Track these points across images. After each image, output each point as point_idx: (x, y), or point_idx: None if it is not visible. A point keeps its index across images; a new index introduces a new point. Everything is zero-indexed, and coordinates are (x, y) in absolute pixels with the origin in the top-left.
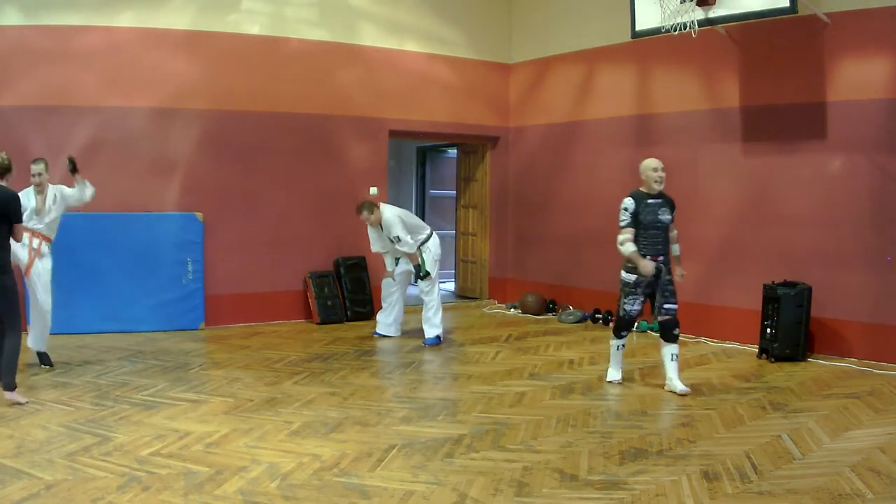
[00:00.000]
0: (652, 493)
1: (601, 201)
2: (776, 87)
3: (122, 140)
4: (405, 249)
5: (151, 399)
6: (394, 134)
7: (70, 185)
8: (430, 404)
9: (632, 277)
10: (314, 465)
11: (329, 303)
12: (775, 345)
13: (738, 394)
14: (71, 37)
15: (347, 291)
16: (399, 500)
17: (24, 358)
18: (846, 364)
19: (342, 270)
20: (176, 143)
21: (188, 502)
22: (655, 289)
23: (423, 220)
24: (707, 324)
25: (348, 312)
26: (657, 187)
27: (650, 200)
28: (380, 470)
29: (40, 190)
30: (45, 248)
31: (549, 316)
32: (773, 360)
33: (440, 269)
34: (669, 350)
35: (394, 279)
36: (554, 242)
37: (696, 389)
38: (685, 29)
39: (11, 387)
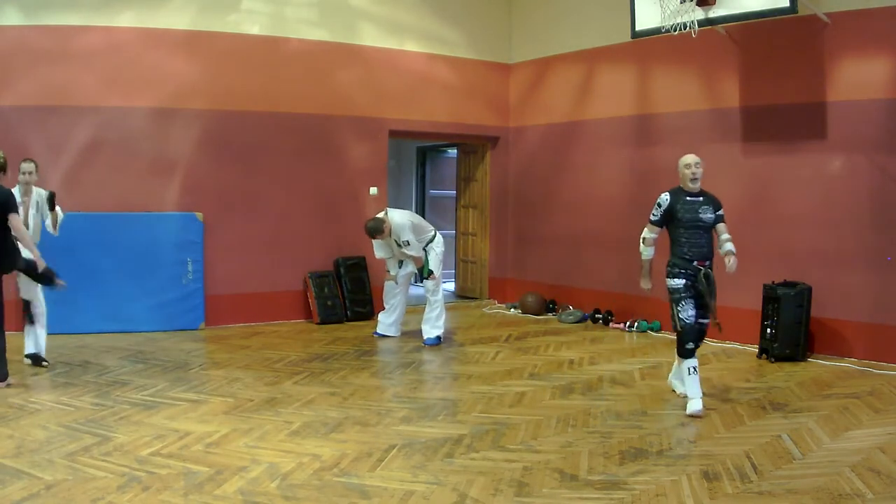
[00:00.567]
0: (652, 493)
1: (601, 201)
2: (776, 87)
3: (122, 140)
4: (412, 253)
5: (151, 399)
6: (394, 134)
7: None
8: (430, 404)
9: (679, 282)
10: (314, 465)
11: (329, 303)
12: (775, 345)
13: (738, 394)
14: (71, 37)
15: (347, 291)
16: (399, 500)
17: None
18: (846, 364)
19: (342, 270)
20: (176, 143)
21: (188, 502)
22: (708, 297)
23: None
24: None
25: (348, 312)
26: (691, 185)
27: (689, 198)
28: (380, 470)
29: (26, 191)
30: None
31: (549, 316)
32: (773, 360)
33: (442, 270)
34: (690, 364)
35: (396, 282)
36: (554, 242)
37: None
38: (685, 29)
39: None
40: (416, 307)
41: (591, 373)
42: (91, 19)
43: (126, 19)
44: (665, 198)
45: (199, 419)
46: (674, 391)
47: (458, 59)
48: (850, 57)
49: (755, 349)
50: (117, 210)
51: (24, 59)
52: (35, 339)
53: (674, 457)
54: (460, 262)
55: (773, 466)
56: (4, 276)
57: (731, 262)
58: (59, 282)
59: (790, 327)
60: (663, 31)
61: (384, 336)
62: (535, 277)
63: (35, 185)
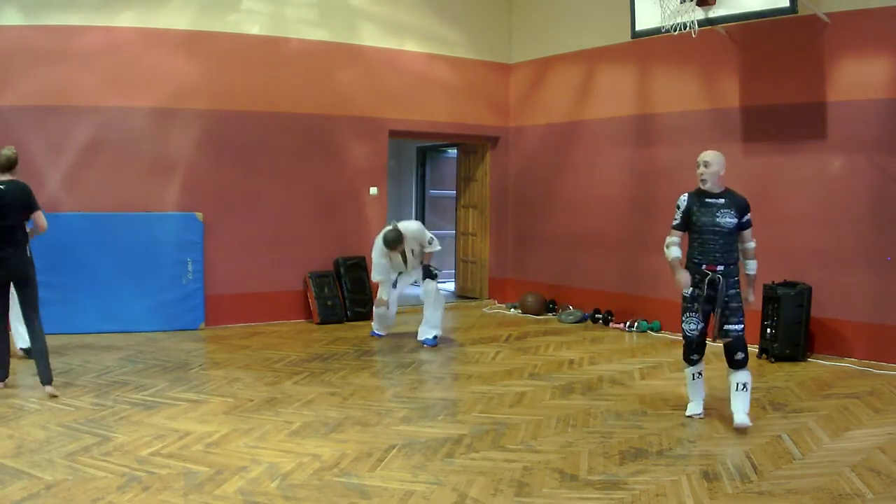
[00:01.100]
0: (652, 493)
1: (601, 201)
2: (776, 87)
3: (122, 140)
4: (436, 248)
5: (151, 399)
6: (394, 134)
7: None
8: (430, 404)
9: (687, 291)
10: (314, 465)
11: (329, 303)
12: (775, 345)
13: None
14: (71, 37)
15: (347, 291)
16: (399, 500)
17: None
18: (846, 364)
19: (342, 270)
20: (176, 143)
21: (188, 502)
22: (716, 305)
23: (424, 220)
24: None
25: (348, 312)
26: (702, 186)
27: (709, 199)
28: (380, 470)
29: None
30: None
31: (549, 316)
32: (773, 360)
33: (442, 270)
34: (735, 378)
35: (388, 307)
36: (554, 242)
37: None
38: (685, 29)
39: (49, 381)
40: (415, 307)
41: (591, 373)
42: (91, 19)
43: (126, 19)
44: (683, 199)
45: (199, 419)
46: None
47: (458, 59)
48: (850, 57)
49: (755, 349)
50: (117, 210)
51: (24, 59)
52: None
53: (674, 457)
54: (460, 262)
55: (773, 466)
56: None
57: (750, 295)
58: None
59: (790, 327)
60: (663, 31)
61: (381, 336)
62: (535, 277)
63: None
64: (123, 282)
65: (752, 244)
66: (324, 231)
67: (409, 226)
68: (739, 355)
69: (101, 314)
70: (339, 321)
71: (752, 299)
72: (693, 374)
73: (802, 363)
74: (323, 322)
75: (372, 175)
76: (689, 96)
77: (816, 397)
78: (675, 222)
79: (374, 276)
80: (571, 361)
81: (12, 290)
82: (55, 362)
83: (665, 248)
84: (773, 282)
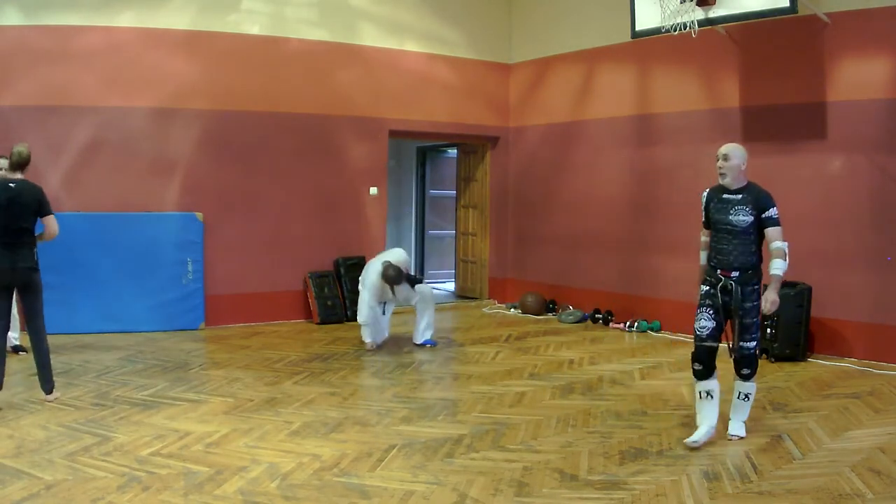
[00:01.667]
0: (652, 493)
1: (601, 201)
2: (776, 87)
3: (122, 140)
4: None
5: (151, 399)
6: (394, 134)
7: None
8: (430, 404)
9: (703, 288)
10: (314, 465)
11: (329, 303)
12: (775, 345)
13: None
14: (71, 37)
15: (347, 291)
16: (399, 500)
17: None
18: (846, 364)
19: (342, 270)
20: (176, 143)
21: (188, 502)
22: (732, 315)
23: (423, 220)
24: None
25: (348, 312)
26: (720, 181)
27: (726, 195)
28: (380, 470)
29: None
30: None
31: (549, 316)
32: (773, 360)
33: (441, 270)
34: (738, 387)
35: (374, 347)
36: (554, 242)
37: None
38: (685, 29)
39: (50, 390)
40: (404, 309)
41: (591, 373)
42: (91, 19)
43: (126, 19)
44: (704, 195)
45: (199, 419)
46: (731, 437)
47: (458, 59)
48: (850, 57)
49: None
50: (117, 210)
51: (24, 59)
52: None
53: (674, 457)
54: (460, 262)
55: (773, 466)
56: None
57: (766, 302)
58: None
59: (790, 327)
60: (663, 31)
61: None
62: (535, 277)
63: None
64: (123, 282)
65: (777, 244)
66: (324, 231)
67: (400, 257)
68: (745, 371)
69: (101, 314)
70: (339, 321)
71: (773, 298)
72: (700, 392)
73: (802, 363)
74: (323, 322)
75: (372, 175)
76: (689, 96)
77: (816, 397)
78: (703, 219)
79: (360, 319)
80: (571, 361)
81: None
82: (55, 362)
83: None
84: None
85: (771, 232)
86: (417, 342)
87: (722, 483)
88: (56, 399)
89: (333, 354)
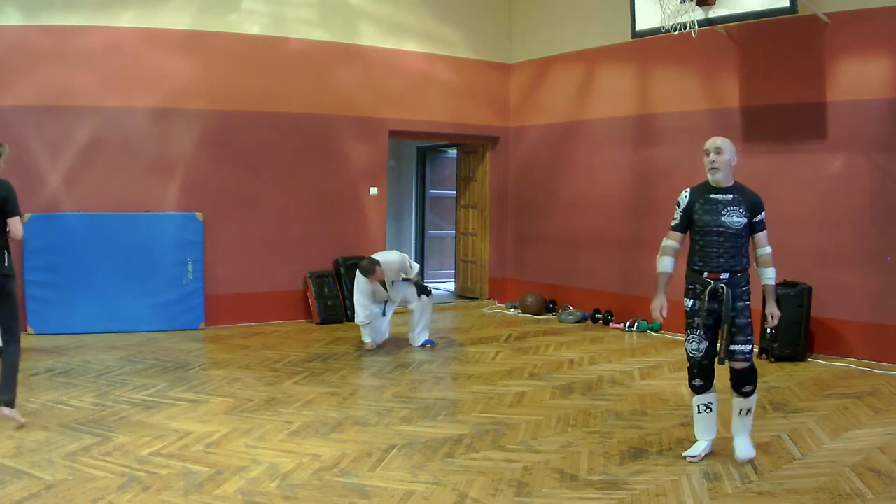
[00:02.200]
0: (652, 493)
1: (601, 201)
2: (776, 87)
3: (122, 140)
4: (416, 270)
5: (151, 399)
6: (394, 134)
7: None
8: (430, 404)
9: (688, 302)
10: (314, 465)
11: (329, 303)
12: (775, 345)
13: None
14: (71, 37)
15: (347, 291)
16: (399, 500)
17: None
18: (846, 364)
19: (342, 270)
20: (176, 143)
21: (188, 502)
22: (722, 320)
23: (423, 220)
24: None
25: (348, 312)
26: (710, 177)
27: (714, 195)
28: (380, 470)
29: None
30: None
31: (549, 316)
32: (773, 360)
33: (441, 270)
34: (737, 404)
35: (374, 348)
36: (554, 242)
37: None
38: (685, 29)
39: (11, 403)
40: (404, 310)
41: (591, 373)
42: (91, 19)
43: (126, 19)
44: (684, 195)
45: (199, 419)
46: (741, 461)
47: (458, 59)
48: (850, 57)
49: (755, 349)
50: (117, 210)
51: (24, 59)
52: None
53: (674, 457)
54: (460, 262)
55: (773, 466)
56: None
57: (770, 317)
58: None
59: (790, 327)
60: (663, 31)
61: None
62: (535, 277)
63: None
64: (123, 282)
65: (767, 250)
66: (324, 231)
67: (390, 257)
68: (747, 388)
69: (101, 314)
70: (339, 321)
71: (775, 311)
72: (699, 406)
73: (802, 363)
74: (323, 322)
75: (372, 175)
76: (689, 96)
77: (816, 397)
78: (673, 222)
79: (357, 320)
80: (571, 361)
81: None
82: (55, 362)
83: (658, 257)
84: None
85: (760, 236)
86: (415, 345)
87: (722, 483)
88: (13, 416)
89: (333, 354)
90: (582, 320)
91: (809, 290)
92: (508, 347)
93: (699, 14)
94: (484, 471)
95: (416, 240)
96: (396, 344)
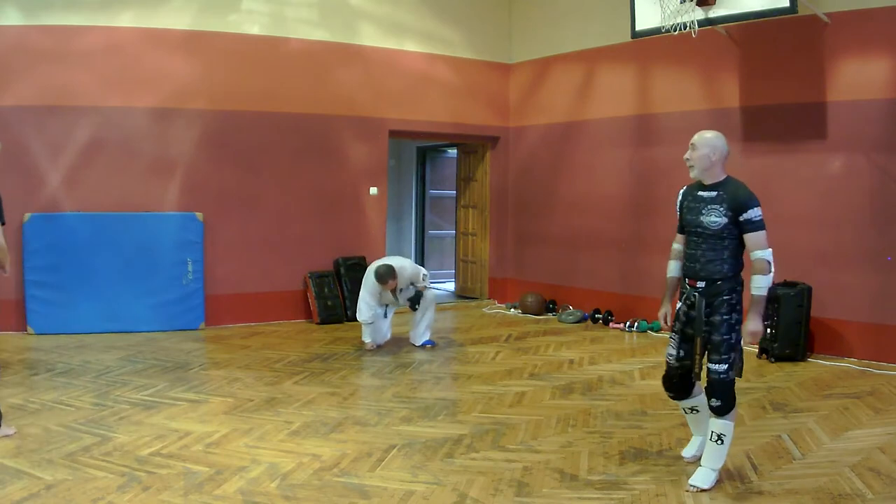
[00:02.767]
0: (652, 493)
1: (601, 201)
2: (776, 87)
3: (122, 140)
4: (428, 282)
5: (151, 399)
6: (394, 134)
7: None
8: (430, 404)
9: (678, 305)
10: (314, 465)
11: (329, 303)
12: (775, 345)
13: (738, 394)
14: (71, 37)
15: (347, 291)
16: (399, 500)
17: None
18: (846, 364)
19: (342, 270)
20: (176, 143)
21: (188, 502)
22: (696, 332)
23: (423, 220)
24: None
25: (348, 312)
26: (690, 175)
27: (701, 193)
28: (380, 470)
29: None
30: None
31: (549, 316)
32: (773, 360)
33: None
34: (711, 425)
35: (374, 348)
36: (554, 242)
37: None
38: (685, 29)
39: None
40: (405, 310)
41: (591, 373)
42: (91, 19)
43: (126, 19)
44: (679, 194)
45: (199, 419)
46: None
47: (458, 59)
48: (850, 57)
49: (755, 349)
50: (117, 210)
51: (24, 59)
52: None
53: (674, 457)
54: (460, 262)
55: (773, 466)
56: None
57: (751, 322)
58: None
59: (790, 327)
60: (663, 31)
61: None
62: (535, 277)
63: None
64: (123, 282)
65: (758, 254)
66: (324, 231)
67: (403, 264)
68: (714, 402)
69: (101, 314)
70: (339, 321)
71: (753, 329)
72: (684, 409)
73: (802, 363)
74: (323, 322)
75: (372, 175)
76: (689, 96)
77: (816, 397)
78: (678, 223)
79: (360, 317)
80: (571, 361)
81: None
82: (56, 362)
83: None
84: (772, 282)
85: (750, 238)
86: (416, 343)
87: (722, 483)
88: (3, 433)
89: (333, 354)
90: (582, 320)
91: (809, 290)
92: (508, 347)
93: (699, 14)
94: (484, 471)
95: (416, 240)
96: (396, 344)
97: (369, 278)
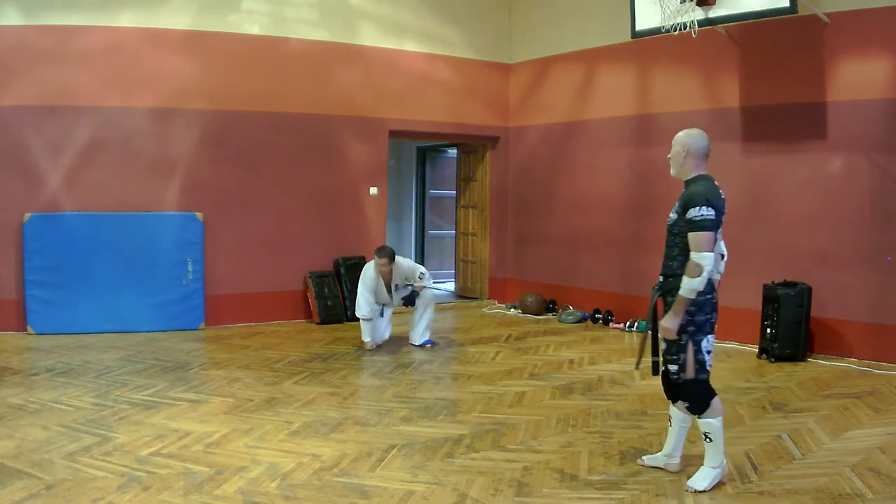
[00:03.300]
0: (652, 493)
1: (601, 201)
2: (776, 87)
3: (122, 140)
4: (428, 280)
5: (151, 399)
6: (394, 134)
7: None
8: (430, 404)
9: None
10: (314, 465)
11: (329, 303)
12: (775, 345)
13: (738, 394)
14: (71, 37)
15: (347, 291)
16: (399, 500)
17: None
18: (846, 364)
19: (342, 270)
20: (176, 143)
21: (188, 502)
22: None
23: (423, 220)
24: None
25: (348, 312)
26: (671, 172)
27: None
28: (380, 470)
29: None
30: None
31: (549, 316)
32: (773, 360)
33: (441, 270)
34: (699, 423)
35: (373, 347)
36: (554, 242)
37: None
38: (685, 29)
39: None
40: (404, 309)
41: (591, 373)
42: (91, 19)
43: (126, 19)
44: None
45: (199, 419)
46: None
47: (458, 59)
48: (850, 57)
49: (755, 349)
50: (117, 210)
51: (24, 59)
52: None
53: None
54: (460, 262)
55: (773, 466)
56: None
57: (667, 320)
58: None
59: (790, 327)
60: (663, 31)
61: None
62: (535, 277)
63: None
64: (123, 282)
65: (692, 255)
66: (324, 231)
67: (400, 261)
68: (683, 402)
69: (101, 314)
70: (339, 321)
71: (664, 325)
72: (669, 417)
73: (802, 363)
74: (323, 322)
75: (372, 175)
76: (689, 96)
77: (816, 397)
78: None
79: (358, 312)
80: (571, 361)
81: None
82: (55, 362)
83: None
84: (772, 282)
85: (689, 237)
86: (416, 343)
87: (722, 483)
88: None
89: (333, 354)
90: (582, 320)
91: (809, 290)
92: (508, 347)
93: (699, 14)
94: (484, 471)
95: (416, 240)
96: (396, 344)
97: (365, 274)
